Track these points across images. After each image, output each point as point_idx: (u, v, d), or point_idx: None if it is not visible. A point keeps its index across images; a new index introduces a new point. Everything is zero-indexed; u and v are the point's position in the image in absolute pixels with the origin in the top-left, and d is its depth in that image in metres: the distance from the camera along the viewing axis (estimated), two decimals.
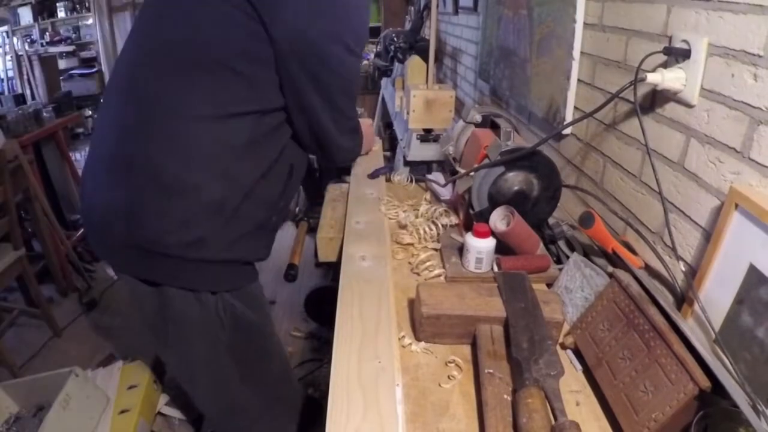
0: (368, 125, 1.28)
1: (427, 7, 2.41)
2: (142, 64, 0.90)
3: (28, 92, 5.14)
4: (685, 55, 0.75)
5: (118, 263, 1.00)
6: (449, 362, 0.76)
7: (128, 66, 0.93)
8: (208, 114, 0.86)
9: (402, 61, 2.40)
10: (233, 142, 0.89)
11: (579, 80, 1.13)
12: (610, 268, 0.83)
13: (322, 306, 2.19)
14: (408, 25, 3.68)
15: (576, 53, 1.12)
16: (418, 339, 0.80)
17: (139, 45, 0.93)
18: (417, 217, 1.16)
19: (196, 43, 0.85)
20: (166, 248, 0.89)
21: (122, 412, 1.58)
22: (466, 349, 0.79)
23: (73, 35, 6.15)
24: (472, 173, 1.00)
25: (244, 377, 1.10)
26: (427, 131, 1.62)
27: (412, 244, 1.07)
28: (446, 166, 1.39)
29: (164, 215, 0.87)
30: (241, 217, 0.94)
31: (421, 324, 0.78)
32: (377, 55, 3.09)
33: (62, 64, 5.83)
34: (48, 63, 5.46)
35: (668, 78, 0.78)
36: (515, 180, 0.97)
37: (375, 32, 4.66)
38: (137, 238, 0.88)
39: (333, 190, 1.38)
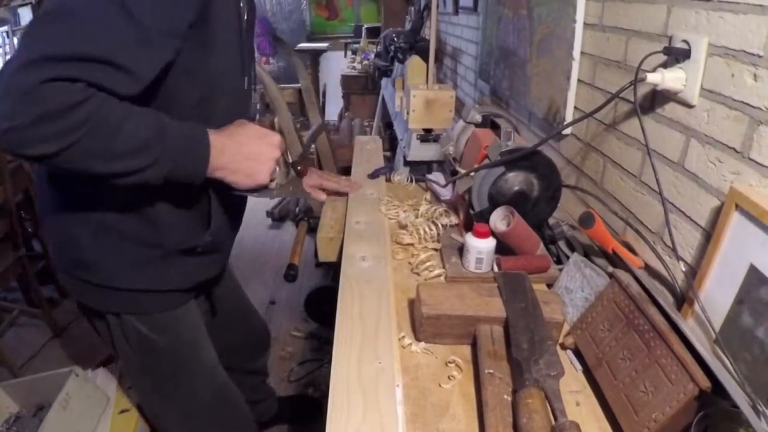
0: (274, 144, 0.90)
1: (427, 7, 2.42)
2: None
3: None
4: (685, 55, 0.75)
5: None
6: (449, 362, 0.76)
7: None
8: None
9: (402, 61, 2.40)
10: None
11: (579, 80, 1.13)
12: (610, 269, 0.83)
13: (322, 306, 2.19)
14: (408, 25, 3.68)
15: (576, 53, 1.12)
16: (418, 339, 0.80)
17: None
18: (417, 217, 1.16)
19: None
20: (62, 266, 0.95)
21: (122, 412, 1.58)
22: (466, 350, 0.79)
23: None
24: (472, 173, 1.00)
25: (165, 396, 1.12)
26: (427, 131, 1.62)
27: (412, 244, 1.07)
28: (446, 166, 1.39)
29: (51, 235, 0.94)
30: (137, 243, 0.89)
31: (421, 324, 0.78)
32: (377, 55, 3.10)
33: None
34: None
35: (668, 78, 0.78)
36: (515, 180, 0.97)
37: (375, 32, 4.67)
38: (50, 256, 0.97)
39: None
